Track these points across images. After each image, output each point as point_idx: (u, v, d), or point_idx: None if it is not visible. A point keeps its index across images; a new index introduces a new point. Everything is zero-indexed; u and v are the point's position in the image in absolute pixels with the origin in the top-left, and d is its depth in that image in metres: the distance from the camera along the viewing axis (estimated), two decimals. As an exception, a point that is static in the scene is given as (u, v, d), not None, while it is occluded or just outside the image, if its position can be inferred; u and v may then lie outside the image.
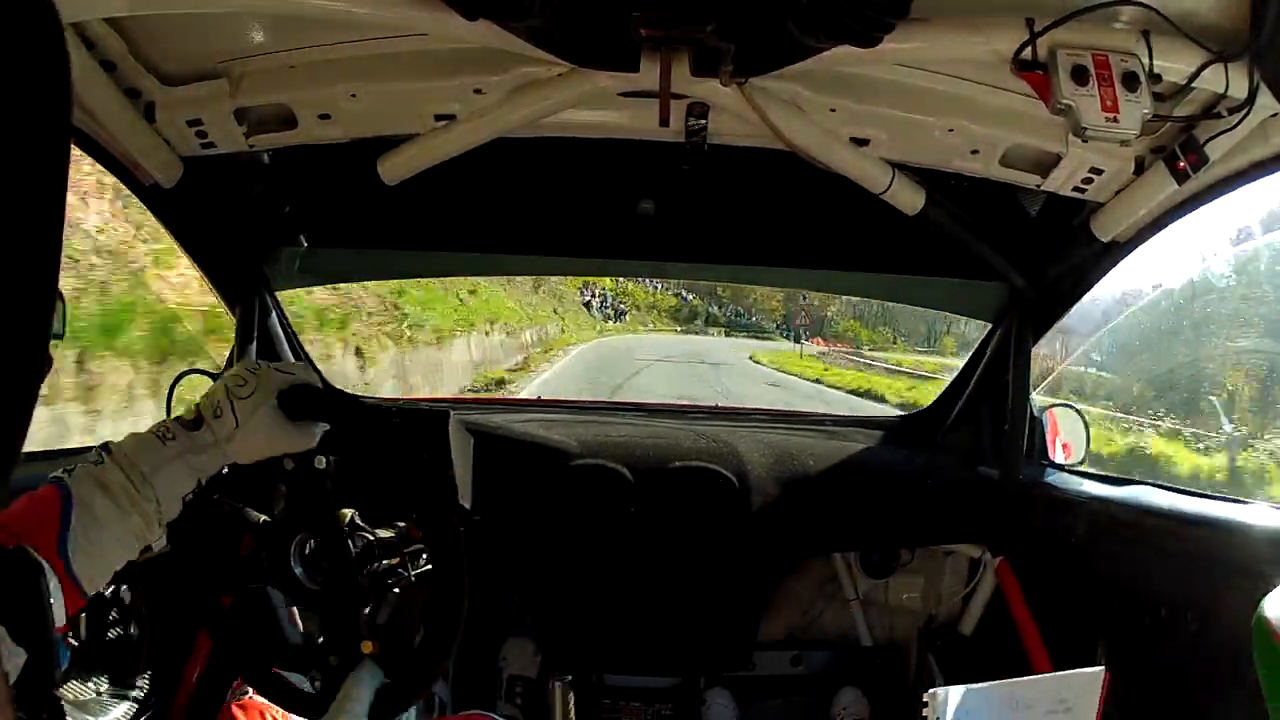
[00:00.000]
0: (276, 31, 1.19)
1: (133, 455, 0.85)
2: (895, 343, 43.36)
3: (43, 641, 0.66)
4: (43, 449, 1.40)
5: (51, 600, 0.68)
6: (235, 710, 1.25)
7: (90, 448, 0.88)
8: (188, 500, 0.89)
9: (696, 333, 42.31)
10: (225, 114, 1.27)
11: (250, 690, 1.24)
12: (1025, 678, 0.91)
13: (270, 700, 1.05)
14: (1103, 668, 0.92)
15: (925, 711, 0.87)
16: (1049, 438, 1.80)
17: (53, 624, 0.68)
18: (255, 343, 1.65)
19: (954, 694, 0.88)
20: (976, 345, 1.90)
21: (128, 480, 0.82)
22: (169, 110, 1.25)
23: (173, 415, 0.95)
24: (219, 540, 1.03)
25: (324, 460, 1.02)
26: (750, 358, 26.13)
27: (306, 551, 1.03)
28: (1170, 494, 1.50)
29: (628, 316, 39.98)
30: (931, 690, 0.87)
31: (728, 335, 42.19)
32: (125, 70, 1.19)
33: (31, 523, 0.75)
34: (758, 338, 41.77)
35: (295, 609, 1.04)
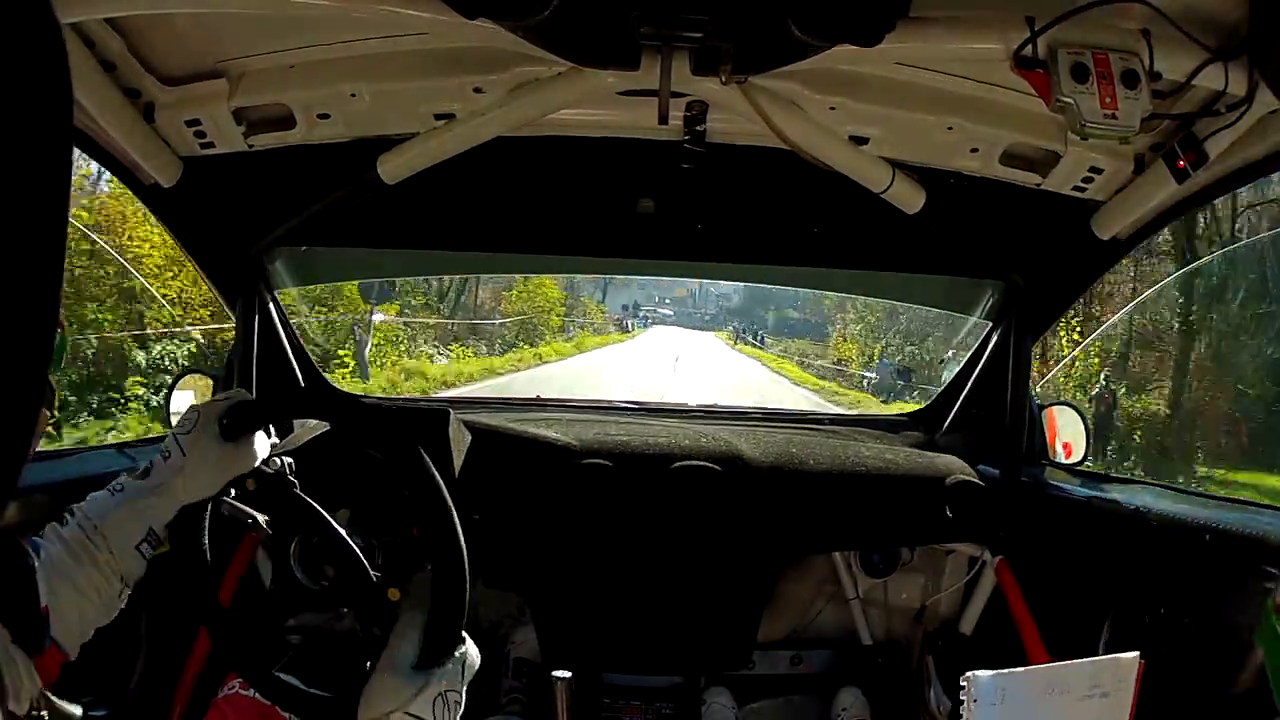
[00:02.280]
0: (276, 31, 1.19)
1: (87, 509, 0.89)
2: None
3: (30, 617, 0.67)
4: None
5: (38, 580, 0.69)
6: (224, 705, 1.26)
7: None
8: (145, 553, 0.91)
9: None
10: (224, 114, 1.27)
11: (237, 685, 1.24)
12: (1062, 662, 0.93)
13: (266, 697, 1.05)
14: (1137, 654, 0.93)
15: (962, 694, 0.88)
16: (1049, 437, 1.81)
17: (39, 600, 0.69)
18: (256, 342, 1.65)
19: (992, 677, 0.89)
20: (976, 344, 1.90)
21: (82, 532, 0.87)
22: (168, 110, 1.25)
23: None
24: (219, 540, 1.03)
25: (278, 462, 1.03)
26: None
27: (306, 553, 1.03)
28: (1169, 494, 1.51)
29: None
30: (970, 673, 0.89)
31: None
32: (125, 70, 1.19)
33: None
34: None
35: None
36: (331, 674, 1.02)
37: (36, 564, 0.73)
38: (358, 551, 0.99)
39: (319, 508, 1.01)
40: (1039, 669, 0.92)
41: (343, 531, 0.99)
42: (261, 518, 1.02)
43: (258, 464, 0.99)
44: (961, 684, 0.89)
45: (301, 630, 1.45)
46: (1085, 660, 0.94)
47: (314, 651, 1.08)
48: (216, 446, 0.95)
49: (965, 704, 0.88)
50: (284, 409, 0.99)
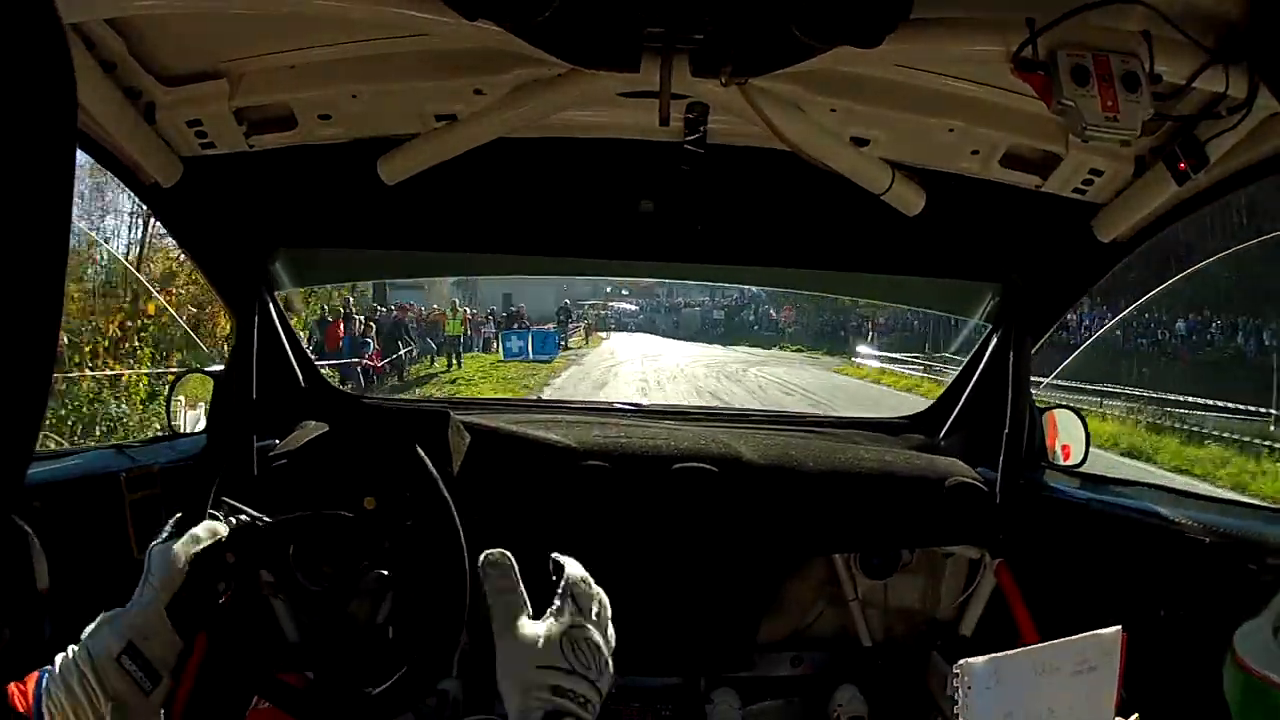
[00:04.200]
0: (276, 31, 1.19)
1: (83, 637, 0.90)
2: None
3: (30, 607, 0.65)
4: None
5: (35, 563, 0.68)
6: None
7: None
8: (127, 666, 0.88)
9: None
10: (225, 114, 1.27)
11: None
12: (1049, 642, 0.93)
13: (270, 701, 1.05)
14: (1119, 628, 0.94)
15: (955, 682, 0.88)
16: (1048, 439, 1.81)
17: (38, 588, 0.68)
18: (256, 342, 1.65)
19: (983, 664, 0.90)
20: (976, 346, 1.90)
21: (69, 653, 0.87)
22: (169, 110, 1.25)
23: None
24: (219, 543, 1.03)
25: (234, 521, 1.00)
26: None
27: (305, 554, 1.03)
28: (1169, 495, 1.51)
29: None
30: (962, 660, 0.89)
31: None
32: (125, 70, 1.19)
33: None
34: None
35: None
36: (344, 673, 1.02)
37: (33, 542, 0.72)
38: (342, 517, 0.99)
39: (294, 515, 1.00)
40: (1029, 650, 0.93)
41: (324, 512, 0.99)
42: (260, 518, 1.02)
43: (210, 542, 0.96)
44: (955, 672, 0.89)
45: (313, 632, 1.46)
46: (1071, 638, 0.95)
47: (326, 652, 1.07)
48: (170, 550, 0.93)
49: (960, 691, 0.88)
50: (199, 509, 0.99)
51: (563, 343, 19.04)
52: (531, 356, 15.76)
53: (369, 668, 1.01)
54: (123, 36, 1.14)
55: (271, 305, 1.74)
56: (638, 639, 1.71)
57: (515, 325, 18.12)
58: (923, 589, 1.79)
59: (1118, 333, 16.07)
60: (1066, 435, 1.81)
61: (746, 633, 1.71)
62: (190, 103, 1.25)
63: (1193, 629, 1.24)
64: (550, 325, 19.52)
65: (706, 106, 1.25)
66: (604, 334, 22.30)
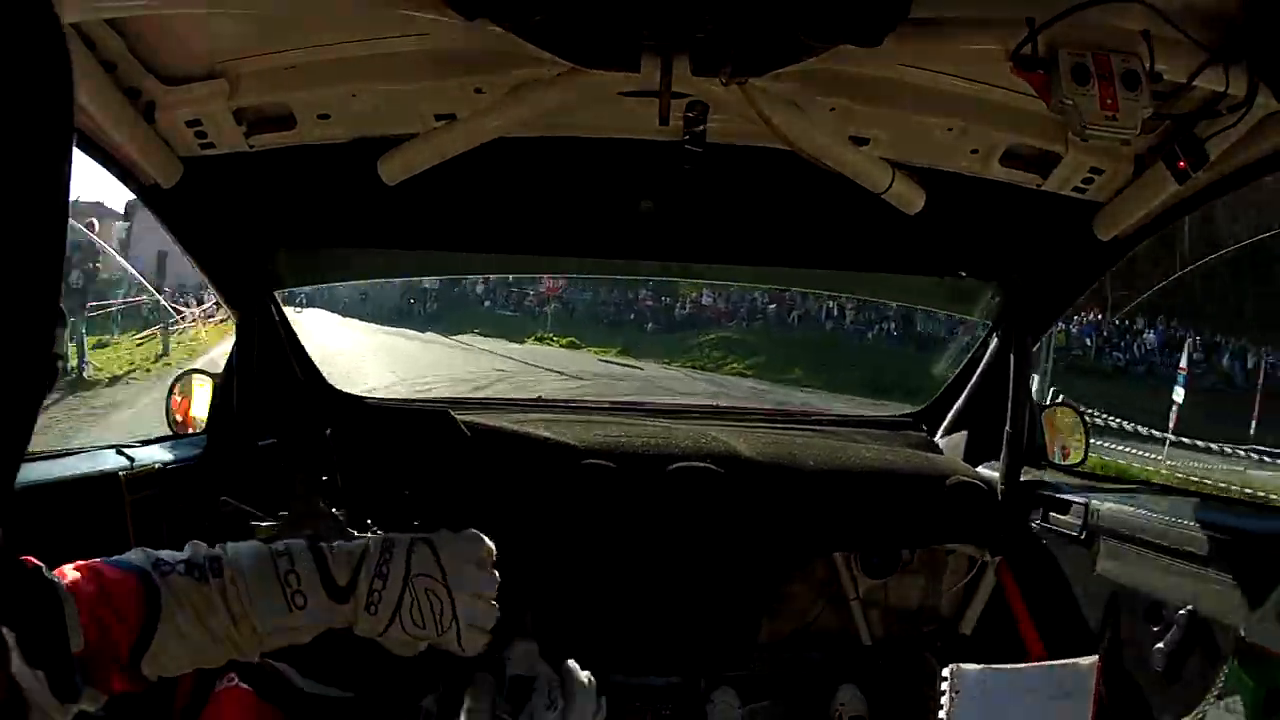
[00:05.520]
0: (276, 31, 1.19)
1: (249, 604, 0.72)
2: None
3: (61, 667, 0.62)
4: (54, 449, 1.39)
5: (70, 624, 0.64)
6: (223, 697, 1.25)
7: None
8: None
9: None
10: (225, 114, 1.27)
11: (236, 678, 1.24)
12: (1032, 663, 0.94)
13: (261, 694, 1.05)
14: (1095, 657, 0.94)
15: (945, 686, 0.89)
16: (1048, 438, 1.81)
17: (70, 649, 0.64)
18: (256, 342, 1.65)
19: (975, 672, 0.91)
20: (976, 345, 1.90)
21: (232, 624, 0.72)
22: (169, 110, 1.25)
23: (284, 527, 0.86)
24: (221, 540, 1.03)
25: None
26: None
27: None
28: (1168, 495, 1.51)
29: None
30: (954, 664, 0.89)
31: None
32: (125, 70, 1.18)
33: (106, 622, 0.68)
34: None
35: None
36: (328, 668, 1.02)
37: (66, 605, 0.66)
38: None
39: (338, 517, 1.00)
40: (1017, 668, 0.94)
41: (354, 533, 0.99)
42: (266, 523, 1.02)
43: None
44: (944, 675, 0.90)
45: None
46: (1050, 663, 0.95)
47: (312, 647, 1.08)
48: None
49: (948, 694, 0.89)
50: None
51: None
52: None
53: (360, 669, 1.01)
54: (123, 36, 1.14)
55: (272, 305, 1.74)
56: (639, 638, 1.72)
57: None
58: (923, 588, 1.79)
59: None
60: (1066, 434, 1.81)
61: (746, 632, 1.71)
62: (190, 103, 1.25)
63: (1194, 628, 1.24)
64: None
65: (706, 106, 1.25)
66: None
